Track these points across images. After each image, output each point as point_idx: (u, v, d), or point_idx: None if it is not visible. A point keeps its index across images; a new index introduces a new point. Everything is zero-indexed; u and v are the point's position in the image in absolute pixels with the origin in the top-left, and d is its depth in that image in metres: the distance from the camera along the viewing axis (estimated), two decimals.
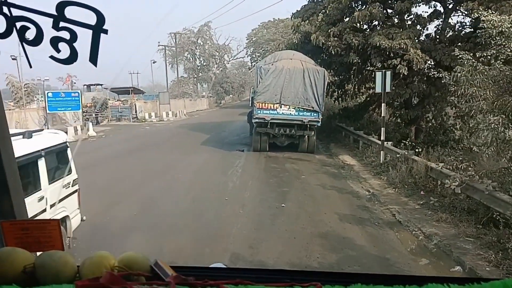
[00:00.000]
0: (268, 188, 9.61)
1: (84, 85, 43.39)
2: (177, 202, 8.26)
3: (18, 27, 0.88)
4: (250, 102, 15.93)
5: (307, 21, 16.27)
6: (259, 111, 14.23)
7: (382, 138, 11.33)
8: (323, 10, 16.03)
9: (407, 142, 11.86)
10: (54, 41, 0.88)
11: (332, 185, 9.91)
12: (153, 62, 41.09)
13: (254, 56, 59.11)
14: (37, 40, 0.88)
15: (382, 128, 11.34)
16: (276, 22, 58.75)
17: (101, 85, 40.23)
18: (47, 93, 21.73)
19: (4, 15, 0.87)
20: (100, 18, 0.87)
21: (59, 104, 21.85)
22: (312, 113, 14.17)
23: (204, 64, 62.57)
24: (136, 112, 33.45)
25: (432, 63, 12.96)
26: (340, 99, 20.44)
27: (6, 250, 0.92)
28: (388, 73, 10.98)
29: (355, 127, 18.28)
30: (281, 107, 14.18)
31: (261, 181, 10.44)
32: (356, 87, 17.38)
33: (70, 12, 0.88)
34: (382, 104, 11.24)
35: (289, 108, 14.19)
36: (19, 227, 1.00)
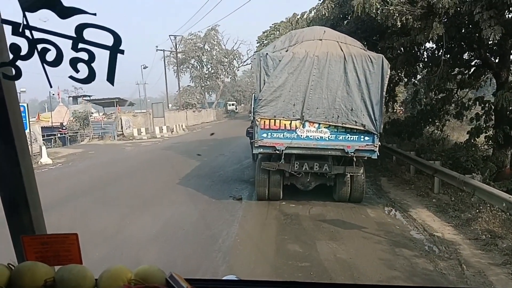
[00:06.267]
0: None
1: (69, 96, 38.18)
2: None
3: (39, 49, 0.90)
4: (252, 115, 9.75)
5: None
6: (264, 134, 7.94)
7: None
8: None
9: None
10: (73, 62, 0.90)
11: None
12: (144, 68, 35.18)
13: None
14: (57, 61, 0.90)
15: None
16: (290, 23, 52.72)
17: (89, 96, 34.73)
18: None
19: (26, 38, 0.89)
20: (117, 39, 0.88)
21: None
22: (362, 136, 7.81)
23: (212, 71, 56.88)
24: (122, 127, 27.58)
25: None
26: (386, 107, 13.99)
27: (27, 264, 0.97)
28: None
29: (417, 152, 11.86)
30: (304, 127, 7.87)
31: None
32: (433, 86, 10.58)
33: (88, 33, 0.89)
34: None
35: (318, 127, 7.88)
36: (39, 241, 1.03)
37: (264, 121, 7.85)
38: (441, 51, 8.46)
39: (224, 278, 1.28)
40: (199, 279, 0.99)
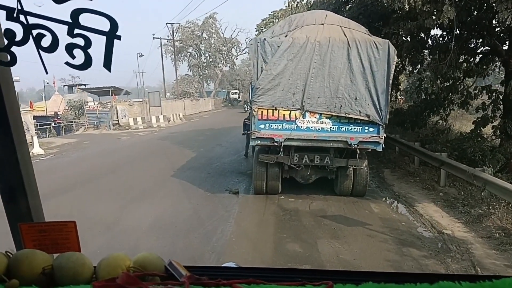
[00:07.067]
0: None
1: (65, 85, 37.52)
2: None
3: (34, 35, 0.88)
4: (247, 106, 9.27)
5: None
6: (261, 125, 7.47)
7: None
8: None
9: None
10: (69, 48, 0.88)
11: None
12: (140, 56, 34.41)
13: None
14: (53, 47, 0.88)
15: None
16: (290, 8, 51.65)
17: (84, 85, 34.10)
18: None
19: (21, 23, 0.87)
20: (114, 24, 0.86)
21: None
22: (366, 127, 7.35)
23: (210, 60, 56.00)
24: (117, 117, 27.05)
25: None
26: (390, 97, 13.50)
27: (25, 252, 0.95)
28: None
29: (421, 143, 11.43)
30: (304, 117, 7.41)
31: None
32: (440, 75, 10.00)
33: (84, 19, 0.87)
34: None
35: (319, 118, 7.41)
36: (37, 229, 1.02)
37: (262, 111, 7.37)
38: (449, 37, 7.91)
39: (223, 265, 1.29)
40: (199, 266, 0.97)
